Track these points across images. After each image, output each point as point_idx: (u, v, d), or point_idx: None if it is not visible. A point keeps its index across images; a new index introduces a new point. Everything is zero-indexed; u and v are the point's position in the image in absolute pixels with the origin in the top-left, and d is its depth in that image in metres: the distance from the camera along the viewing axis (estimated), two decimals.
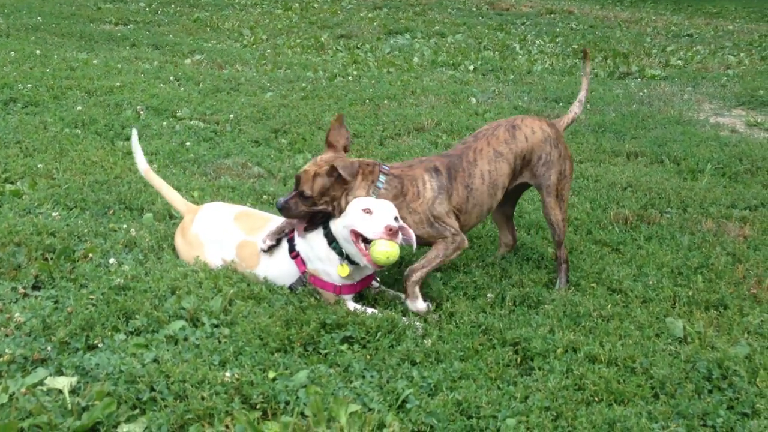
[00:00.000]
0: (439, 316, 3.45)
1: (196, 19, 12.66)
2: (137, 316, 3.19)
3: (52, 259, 3.71)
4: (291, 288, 3.55)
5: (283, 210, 3.46)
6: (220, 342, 3.09)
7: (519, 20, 14.67)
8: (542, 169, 3.79)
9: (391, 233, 3.24)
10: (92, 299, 3.30)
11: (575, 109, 4.08)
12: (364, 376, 2.94)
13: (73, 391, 2.70)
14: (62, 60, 8.47)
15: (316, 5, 15.09)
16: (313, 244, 3.50)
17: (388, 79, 8.72)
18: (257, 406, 2.69)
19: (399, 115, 6.90)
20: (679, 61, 10.71)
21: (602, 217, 4.72)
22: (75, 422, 2.53)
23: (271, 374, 2.86)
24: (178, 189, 4.74)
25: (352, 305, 3.43)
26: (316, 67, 9.17)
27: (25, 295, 3.41)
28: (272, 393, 2.74)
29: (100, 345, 3.02)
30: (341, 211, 3.46)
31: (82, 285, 3.47)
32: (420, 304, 3.46)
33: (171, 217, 4.31)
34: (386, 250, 3.23)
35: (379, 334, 3.19)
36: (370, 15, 14.13)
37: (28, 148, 5.38)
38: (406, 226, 3.39)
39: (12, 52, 8.61)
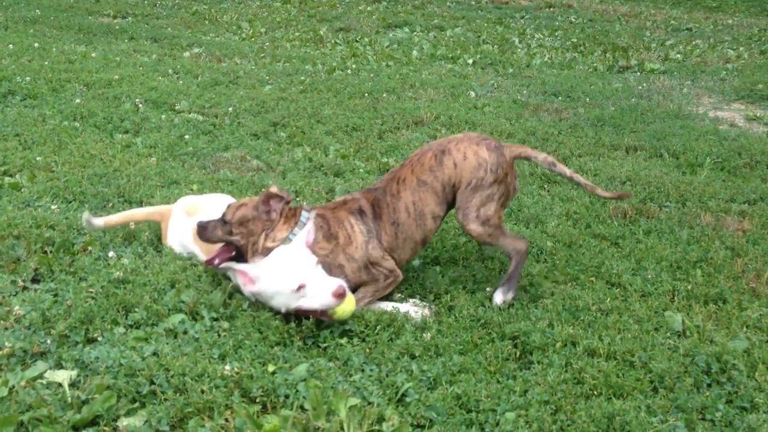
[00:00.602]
0: (438, 309, 3.45)
1: (194, 12, 12.64)
2: (137, 310, 3.18)
3: (51, 252, 3.70)
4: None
5: (199, 229, 3.43)
6: (219, 335, 3.09)
7: (518, 14, 14.64)
8: (467, 192, 3.45)
9: (340, 296, 3.07)
10: (92, 292, 3.29)
11: (542, 155, 3.59)
12: (363, 370, 2.94)
13: (73, 385, 2.71)
14: (61, 53, 8.45)
15: None
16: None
17: (386, 72, 8.71)
18: (257, 400, 2.70)
19: (398, 109, 6.89)
20: (679, 55, 10.69)
21: (601, 211, 4.72)
22: (75, 415, 2.53)
23: (271, 368, 2.87)
24: (177, 182, 4.75)
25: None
26: (314, 61, 9.15)
27: (25, 288, 3.40)
28: (272, 386, 2.74)
29: (99, 338, 3.02)
30: (255, 252, 3.36)
31: (82, 278, 3.47)
32: None
33: None
34: (346, 309, 3.12)
35: (378, 327, 3.19)
36: (369, 8, 14.10)
37: (26, 141, 5.37)
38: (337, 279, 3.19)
39: (10, 45, 8.59)
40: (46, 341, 2.94)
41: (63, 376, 2.72)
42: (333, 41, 10.84)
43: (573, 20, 14.07)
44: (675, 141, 6.26)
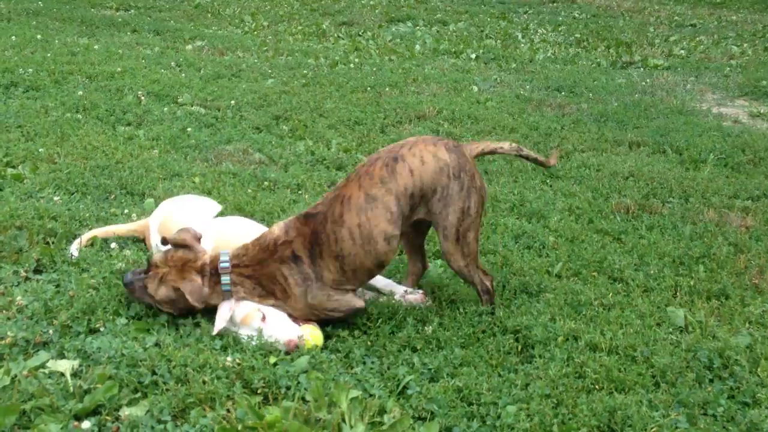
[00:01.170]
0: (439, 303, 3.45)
1: (197, 5, 12.62)
2: None
3: (53, 243, 3.71)
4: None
5: (126, 286, 3.14)
6: None
7: (521, 9, 14.61)
8: (438, 205, 3.12)
9: (294, 347, 2.97)
10: (94, 283, 3.30)
11: (503, 144, 3.41)
12: (364, 362, 2.94)
13: (75, 374, 2.71)
14: (63, 45, 8.45)
15: None
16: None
17: (389, 66, 8.69)
18: (258, 391, 2.70)
19: (400, 103, 6.88)
20: (682, 51, 10.66)
21: (604, 206, 4.72)
22: (77, 405, 2.54)
23: (272, 359, 2.87)
24: (179, 175, 4.75)
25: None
26: (317, 54, 9.14)
27: (27, 278, 3.41)
28: (273, 378, 2.74)
29: (101, 329, 3.02)
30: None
31: (84, 269, 3.48)
32: None
33: None
34: (316, 335, 3.05)
35: (379, 320, 3.19)
36: (371, 2, 14.07)
37: (29, 133, 5.37)
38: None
39: (13, 37, 8.59)
40: (49, 331, 2.95)
41: (65, 365, 2.72)
42: (336, 35, 10.82)
43: (576, 15, 14.04)
44: (678, 137, 6.25)
